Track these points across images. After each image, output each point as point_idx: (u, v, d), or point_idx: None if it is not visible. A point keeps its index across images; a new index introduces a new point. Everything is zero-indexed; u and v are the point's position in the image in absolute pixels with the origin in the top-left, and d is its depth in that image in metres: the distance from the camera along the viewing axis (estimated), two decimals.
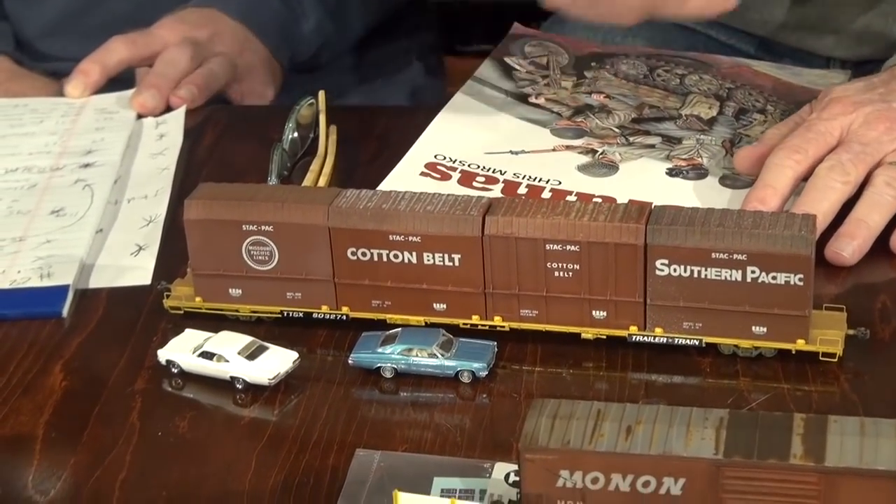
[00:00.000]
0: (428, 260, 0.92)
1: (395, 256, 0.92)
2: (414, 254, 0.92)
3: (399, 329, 0.92)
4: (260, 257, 0.95)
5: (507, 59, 1.31)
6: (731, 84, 1.25)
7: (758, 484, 0.68)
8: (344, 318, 0.95)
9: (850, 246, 1.00)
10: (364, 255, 0.93)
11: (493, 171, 1.12)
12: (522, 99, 1.23)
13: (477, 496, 0.76)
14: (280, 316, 0.96)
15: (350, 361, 0.91)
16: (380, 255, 0.93)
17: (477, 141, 1.16)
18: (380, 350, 0.91)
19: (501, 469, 0.79)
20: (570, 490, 0.70)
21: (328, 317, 0.96)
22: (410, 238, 0.92)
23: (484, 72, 1.28)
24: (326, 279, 0.94)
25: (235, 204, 0.95)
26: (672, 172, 1.12)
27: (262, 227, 0.94)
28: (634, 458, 0.69)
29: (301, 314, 0.96)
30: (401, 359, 0.90)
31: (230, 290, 0.96)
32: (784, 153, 1.04)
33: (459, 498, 0.74)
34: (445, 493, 0.76)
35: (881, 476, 0.67)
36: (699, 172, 1.11)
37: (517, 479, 0.72)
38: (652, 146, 1.15)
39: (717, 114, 1.20)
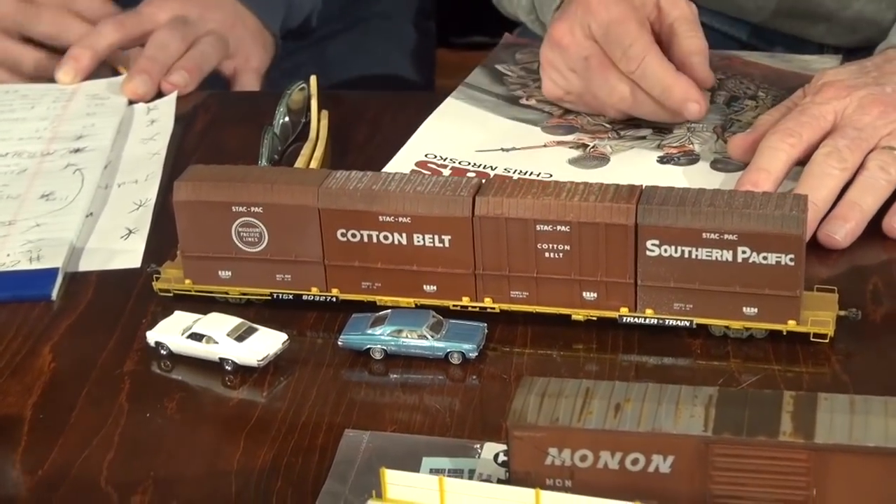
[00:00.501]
0: (418, 241, 0.92)
1: (385, 238, 0.92)
2: (404, 235, 0.92)
3: (389, 310, 0.92)
4: (249, 239, 0.94)
5: (498, 66, 1.31)
6: (721, 75, 1.25)
7: (747, 461, 0.68)
8: (334, 300, 0.95)
9: (842, 228, 0.99)
10: (354, 236, 0.93)
11: (484, 167, 1.12)
12: (513, 101, 1.23)
13: (466, 476, 0.76)
14: (270, 298, 0.96)
15: (339, 343, 0.91)
16: (370, 237, 0.92)
17: (468, 140, 1.16)
18: (369, 331, 0.90)
19: (490, 449, 0.79)
20: (559, 468, 0.70)
21: (318, 299, 0.95)
22: (400, 219, 0.91)
23: (474, 78, 1.28)
24: (316, 261, 0.94)
25: (225, 185, 0.94)
26: (663, 160, 1.11)
27: (252, 209, 0.93)
28: (623, 436, 0.69)
29: (291, 296, 0.95)
30: (390, 340, 0.90)
31: (220, 273, 0.95)
32: (778, 136, 1.03)
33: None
34: (434, 472, 0.76)
35: (871, 453, 0.67)
36: (691, 158, 1.11)
37: (506, 458, 0.72)
38: (643, 137, 1.15)
39: (707, 102, 1.19)
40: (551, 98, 1.19)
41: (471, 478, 0.76)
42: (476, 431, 0.82)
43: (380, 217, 0.91)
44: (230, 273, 0.95)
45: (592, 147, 1.14)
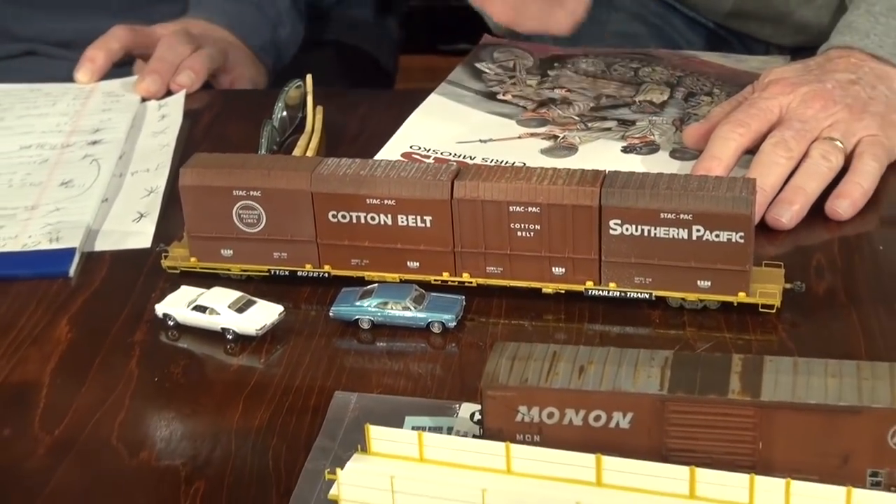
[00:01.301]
0: (402, 222, 0.91)
1: (372, 219, 0.92)
2: (389, 216, 0.91)
3: (376, 285, 0.92)
4: (249, 220, 0.94)
5: (477, 64, 1.30)
6: (680, 73, 1.25)
7: (699, 417, 0.68)
8: (326, 275, 0.95)
9: (788, 211, 0.99)
10: (344, 217, 0.92)
11: (464, 157, 1.11)
12: (491, 96, 1.22)
13: (444, 433, 0.76)
14: (268, 274, 0.96)
15: (331, 314, 0.90)
16: (358, 218, 0.92)
17: (449, 133, 1.15)
18: (358, 304, 0.90)
19: (467, 409, 0.79)
20: (528, 424, 0.70)
21: (311, 275, 0.95)
22: (386, 201, 0.91)
23: (456, 75, 1.28)
24: (310, 240, 0.94)
25: (226, 171, 0.94)
26: (626, 149, 1.11)
27: (251, 193, 0.93)
28: (587, 395, 0.69)
29: (287, 272, 0.95)
30: (377, 311, 0.89)
31: (222, 251, 0.95)
32: (728, 127, 1.03)
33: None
34: (416, 429, 0.75)
35: (812, 409, 0.67)
36: (651, 148, 1.11)
37: (480, 417, 0.71)
38: (608, 129, 1.15)
39: (667, 98, 1.20)
40: (503, 21, 1.16)
41: (449, 434, 0.75)
42: (454, 393, 0.82)
43: (367, 200, 0.91)
44: (231, 251, 0.95)
45: (562, 138, 1.13)
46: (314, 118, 1.17)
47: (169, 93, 1.31)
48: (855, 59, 1.10)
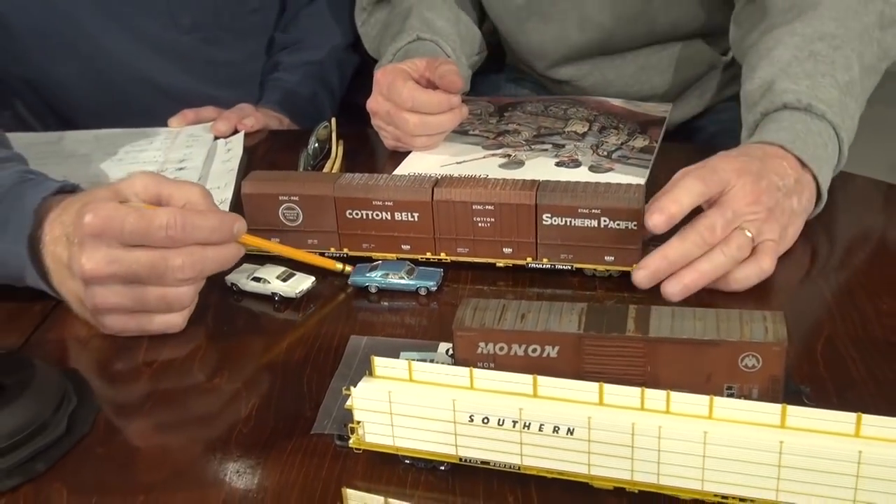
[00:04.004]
0: (398, 217, 0.91)
1: (377, 215, 0.91)
2: (388, 213, 0.91)
3: (380, 262, 0.92)
4: (290, 217, 0.94)
5: None
6: (596, 112, 1.24)
7: (606, 349, 0.68)
8: (345, 255, 0.94)
9: (680, 285, 0.83)
10: (357, 214, 0.92)
11: (446, 175, 1.10)
12: (464, 132, 1.21)
13: (427, 362, 0.75)
14: None
15: (349, 282, 0.90)
16: (367, 214, 0.92)
17: (436, 159, 1.14)
18: (368, 275, 0.90)
19: (443, 346, 0.79)
20: (486, 355, 0.70)
21: (335, 255, 0.95)
22: (386, 202, 0.91)
23: None
24: (333, 231, 0.93)
25: (274, 183, 0.94)
26: (558, 164, 1.10)
27: (292, 198, 0.93)
28: (526, 334, 0.69)
29: (318, 253, 0.95)
30: (381, 280, 0.89)
31: (272, 238, 0.94)
32: (693, 182, 0.84)
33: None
34: (407, 360, 0.75)
35: (685, 342, 0.67)
36: (576, 164, 1.10)
37: (453, 351, 0.71)
38: (546, 150, 1.14)
39: (587, 130, 1.19)
40: (378, 128, 1.16)
41: (431, 363, 0.75)
42: (435, 336, 0.82)
43: (373, 202, 0.91)
44: (279, 239, 0.94)
45: (514, 156, 1.13)
46: (337, 148, 1.17)
47: (234, 132, 1.30)
48: (788, 164, 0.89)
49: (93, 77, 1.40)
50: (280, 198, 0.93)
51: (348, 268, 0.91)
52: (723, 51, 1.33)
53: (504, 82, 1.50)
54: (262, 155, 1.25)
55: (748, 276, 0.85)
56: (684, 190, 0.83)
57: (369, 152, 1.20)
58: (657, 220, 0.82)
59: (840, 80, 0.95)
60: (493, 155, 1.15)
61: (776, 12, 1.03)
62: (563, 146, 1.15)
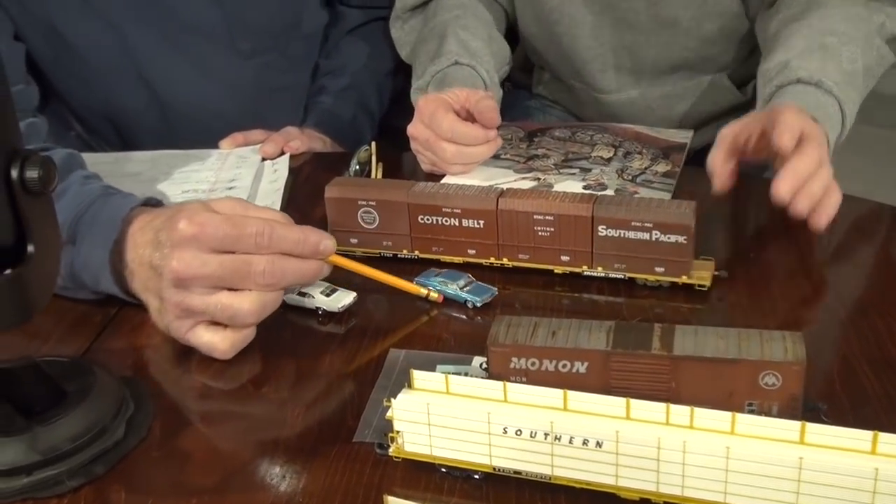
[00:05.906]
0: (465, 224, 0.93)
1: (446, 221, 0.93)
2: (457, 219, 0.93)
3: (445, 270, 0.93)
4: (367, 220, 0.96)
5: None
6: (620, 138, 1.24)
7: (632, 365, 0.68)
8: (416, 257, 0.96)
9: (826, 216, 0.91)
10: (428, 220, 0.94)
11: None
12: (496, 157, 1.21)
13: (462, 375, 0.75)
14: (378, 256, 0.98)
15: (414, 281, 0.91)
16: (437, 220, 0.94)
17: (469, 182, 1.14)
18: (433, 279, 0.91)
19: (478, 360, 0.79)
20: (518, 370, 0.70)
21: (406, 256, 0.97)
22: (454, 209, 0.93)
23: None
24: (406, 234, 0.95)
25: (354, 188, 0.96)
26: (585, 188, 1.10)
27: (369, 203, 0.95)
28: (557, 350, 0.69)
29: (392, 255, 0.97)
30: (439, 287, 0.90)
31: (350, 240, 0.97)
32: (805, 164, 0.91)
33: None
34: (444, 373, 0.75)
35: (707, 360, 0.67)
36: (602, 187, 1.10)
37: (486, 365, 0.71)
38: (574, 174, 1.14)
39: (612, 155, 1.19)
40: (416, 152, 1.16)
41: (466, 376, 0.75)
42: (470, 350, 0.82)
43: (443, 209, 0.93)
44: (357, 240, 0.96)
45: (543, 180, 1.13)
46: (376, 169, 1.18)
47: (280, 154, 1.30)
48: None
49: (156, 105, 1.42)
50: (359, 202, 0.95)
51: (434, 294, 0.90)
52: (743, 86, 1.35)
53: (533, 110, 1.50)
54: (306, 176, 1.25)
55: (835, 204, 0.92)
56: (806, 158, 0.90)
57: (407, 175, 1.21)
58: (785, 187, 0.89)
59: (845, 69, 1.04)
60: (523, 178, 1.15)
61: (794, 4, 1.14)
62: (590, 170, 1.15)
